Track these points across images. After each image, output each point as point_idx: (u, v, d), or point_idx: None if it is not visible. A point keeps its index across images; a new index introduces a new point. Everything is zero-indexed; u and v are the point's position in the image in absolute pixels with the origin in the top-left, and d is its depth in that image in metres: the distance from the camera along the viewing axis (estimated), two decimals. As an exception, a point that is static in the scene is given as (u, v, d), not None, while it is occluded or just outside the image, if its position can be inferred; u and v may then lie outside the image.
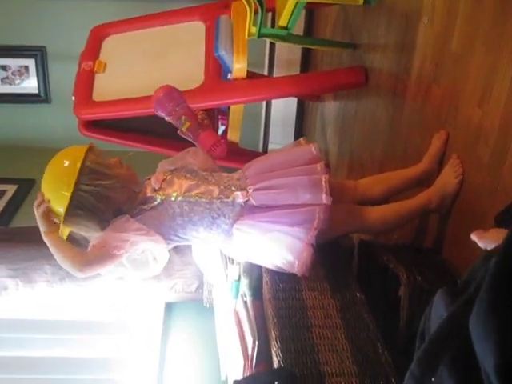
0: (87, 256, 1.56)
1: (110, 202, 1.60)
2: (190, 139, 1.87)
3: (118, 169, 1.65)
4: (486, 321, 0.76)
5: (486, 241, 1.11)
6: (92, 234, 1.62)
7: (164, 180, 1.68)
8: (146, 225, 1.60)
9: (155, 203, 1.65)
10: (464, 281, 0.97)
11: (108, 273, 1.63)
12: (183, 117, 1.80)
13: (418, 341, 1.11)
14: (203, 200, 1.65)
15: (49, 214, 1.56)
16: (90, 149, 1.61)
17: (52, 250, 1.56)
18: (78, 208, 1.56)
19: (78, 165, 1.55)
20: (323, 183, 1.69)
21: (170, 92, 1.81)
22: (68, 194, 1.54)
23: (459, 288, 0.97)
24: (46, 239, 1.57)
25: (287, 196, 1.68)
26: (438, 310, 1.00)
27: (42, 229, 1.57)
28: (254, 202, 1.67)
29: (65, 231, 1.62)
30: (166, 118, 1.82)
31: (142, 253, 1.65)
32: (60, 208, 1.56)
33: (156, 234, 1.60)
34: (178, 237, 1.65)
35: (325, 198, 1.67)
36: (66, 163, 1.58)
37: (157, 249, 1.65)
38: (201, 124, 1.83)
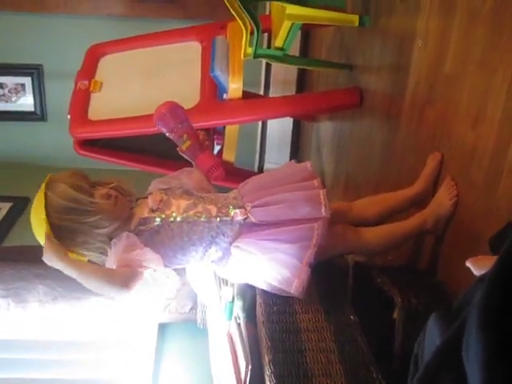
0: (123, 274, 1.51)
1: (97, 234, 1.57)
2: (188, 158, 1.85)
3: (103, 201, 1.59)
4: (475, 343, 0.75)
5: (480, 268, 1.11)
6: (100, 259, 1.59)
7: (161, 201, 1.66)
8: (147, 246, 1.58)
9: (155, 224, 1.62)
10: (457, 305, 0.96)
11: (136, 294, 1.56)
12: (185, 135, 1.79)
13: (412, 365, 1.10)
14: (202, 219, 1.64)
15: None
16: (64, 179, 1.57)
17: (80, 275, 1.48)
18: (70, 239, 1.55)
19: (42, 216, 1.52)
20: (322, 196, 1.69)
21: (173, 109, 1.80)
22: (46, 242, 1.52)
23: (453, 313, 0.96)
24: (70, 267, 1.48)
25: (287, 211, 1.67)
26: (431, 336, 0.99)
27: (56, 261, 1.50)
28: (253, 219, 1.66)
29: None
30: (167, 135, 1.81)
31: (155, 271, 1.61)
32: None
33: (156, 254, 1.58)
34: (177, 258, 1.63)
35: (324, 211, 1.66)
36: (35, 215, 1.56)
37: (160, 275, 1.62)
38: (201, 145, 1.82)
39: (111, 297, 1.54)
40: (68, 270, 1.48)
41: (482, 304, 0.76)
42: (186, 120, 1.81)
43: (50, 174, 1.60)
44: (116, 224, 1.58)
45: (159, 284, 1.59)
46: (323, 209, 1.67)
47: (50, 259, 1.49)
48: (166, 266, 1.62)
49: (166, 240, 1.61)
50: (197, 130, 1.87)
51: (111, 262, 1.55)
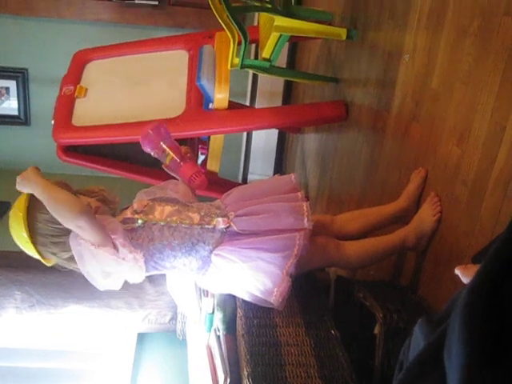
0: (88, 208, 1.52)
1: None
2: (172, 173, 1.86)
3: None
4: (457, 348, 0.75)
5: (469, 276, 1.11)
6: None
7: (146, 205, 1.66)
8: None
9: (135, 225, 1.61)
10: (443, 312, 0.96)
11: (97, 264, 1.54)
12: (167, 149, 1.79)
13: (396, 371, 1.09)
14: (183, 225, 1.63)
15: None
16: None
17: (45, 193, 1.49)
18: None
19: (21, 214, 1.54)
20: (305, 208, 1.69)
21: (157, 127, 1.81)
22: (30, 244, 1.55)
23: (438, 318, 0.95)
24: (39, 187, 1.50)
25: (269, 221, 1.66)
26: (416, 341, 0.99)
27: (34, 179, 1.51)
28: (235, 228, 1.65)
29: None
30: (152, 154, 1.81)
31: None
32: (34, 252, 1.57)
33: (137, 250, 1.56)
34: (155, 262, 1.61)
35: (306, 223, 1.66)
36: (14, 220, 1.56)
37: (132, 272, 1.60)
38: (183, 157, 1.82)
39: (68, 221, 1.49)
40: (33, 185, 1.51)
41: (464, 311, 0.76)
42: (169, 137, 1.82)
43: None
44: None
45: (123, 270, 1.57)
46: (305, 220, 1.67)
47: (27, 177, 1.52)
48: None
49: (144, 242, 1.59)
50: (180, 145, 1.88)
51: None
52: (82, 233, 1.49)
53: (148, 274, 1.65)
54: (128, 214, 1.64)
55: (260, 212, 1.68)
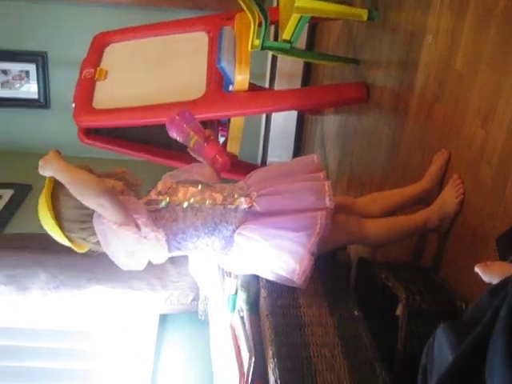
0: (110, 187, 1.54)
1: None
2: (197, 155, 1.87)
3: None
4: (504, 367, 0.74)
5: (490, 275, 1.10)
6: None
7: (170, 187, 1.68)
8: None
9: (159, 206, 1.63)
10: (469, 318, 0.95)
11: (120, 244, 1.56)
12: (191, 133, 1.81)
13: (420, 375, 1.09)
14: (206, 205, 1.64)
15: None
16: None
17: (67, 175, 1.50)
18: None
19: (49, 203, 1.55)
20: (326, 188, 1.70)
21: (182, 112, 1.82)
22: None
23: (463, 326, 0.95)
24: (61, 169, 1.51)
25: (291, 201, 1.67)
26: (441, 349, 0.97)
27: (56, 162, 1.52)
28: (257, 208, 1.66)
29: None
30: (178, 138, 1.83)
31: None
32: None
33: (159, 229, 1.58)
34: (177, 242, 1.63)
35: (328, 202, 1.66)
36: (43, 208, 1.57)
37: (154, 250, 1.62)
38: (207, 138, 1.84)
39: (90, 200, 1.51)
40: (55, 168, 1.51)
41: (508, 334, 0.75)
42: (193, 120, 1.83)
43: None
44: None
45: (146, 249, 1.59)
46: (327, 199, 1.67)
47: (49, 160, 1.52)
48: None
49: (168, 222, 1.61)
50: (204, 128, 1.89)
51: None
52: (103, 212, 1.50)
53: (171, 255, 1.67)
54: (152, 195, 1.66)
55: (282, 192, 1.70)
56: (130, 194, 1.67)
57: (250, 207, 1.66)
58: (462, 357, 0.87)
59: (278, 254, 1.61)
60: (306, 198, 1.67)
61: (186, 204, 1.64)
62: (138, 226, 1.55)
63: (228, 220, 1.64)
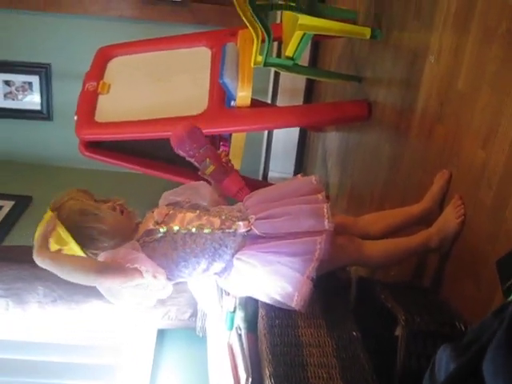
0: (101, 262, 1.54)
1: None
2: (210, 180, 1.85)
3: (108, 217, 1.63)
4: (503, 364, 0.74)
5: None
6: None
7: (167, 215, 1.67)
8: (150, 258, 1.58)
9: (158, 236, 1.63)
10: (470, 338, 0.95)
11: (126, 293, 1.59)
12: (207, 160, 1.79)
13: None
14: (205, 231, 1.64)
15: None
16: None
17: (57, 265, 1.49)
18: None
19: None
20: (325, 210, 1.68)
21: (193, 132, 1.80)
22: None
23: (465, 344, 0.94)
24: (46, 259, 1.50)
25: (290, 224, 1.66)
26: (442, 366, 0.97)
27: (42, 249, 1.52)
28: (256, 231, 1.65)
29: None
30: (188, 159, 1.81)
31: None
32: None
33: (159, 267, 1.58)
34: (180, 271, 1.63)
35: (327, 224, 1.65)
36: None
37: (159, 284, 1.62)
38: (225, 168, 1.82)
39: (89, 284, 1.53)
40: (46, 263, 1.49)
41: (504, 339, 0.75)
42: (206, 143, 1.81)
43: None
44: (120, 237, 1.62)
45: (149, 291, 1.61)
46: (326, 222, 1.66)
47: (37, 260, 1.51)
48: (168, 279, 1.62)
49: (168, 252, 1.61)
50: (216, 151, 1.87)
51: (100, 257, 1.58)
52: (104, 286, 1.56)
53: (174, 282, 1.67)
54: (150, 225, 1.66)
55: (280, 215, 1.68)
56: (131, 215, 1.68)
57: (248, 231, 1.65)
58: (465, 363, 0.87)
59: (276, 280, 1.61)
60: (305, 221, 1.66)
61: (184, 231, 1.63)
62: (140, 274, 1.55)
63: (227, 244, 1.64)
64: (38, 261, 1.49)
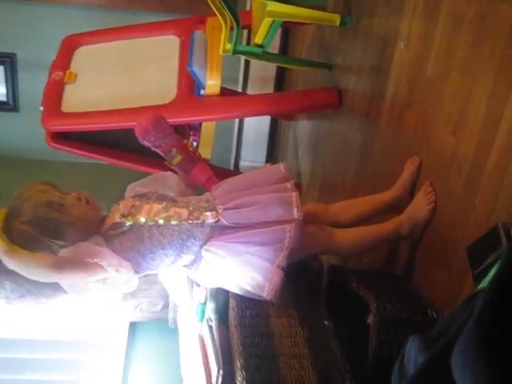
0: (59, 258, 1.50)
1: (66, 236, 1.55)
2: (178, 171, 1.82)
3: (74, 208, 1.58)
4: (475, 358, 0.73)
5: None
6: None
7: (133, 206, 1.63)
8: (116, 251, 1.54)
9: (124, 229, 1.59)
10: (440, 329, 0.94)
11: (93, 288, 1.56)
12: (174, 150, 1.75)
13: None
14: (172, 223, 1.61)
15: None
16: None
17: (15, 263, 1.49)
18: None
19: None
20: (294, 199, 1.66)
21: (157, 122, 1.76)
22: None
23: (434, 335, 0.93)
24: (6, 257, 1.50)
25: (259, 213, 1.64)
26: (411, 358, 0.96)
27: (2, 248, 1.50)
28: (224, 222, 1.63)
29: None
30: (153, 149, 1.77)
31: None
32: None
33: (125, 261, 1.55)
34: (147, 263, 1.60)
35: (296, 213, 1.63)
36: None
37: (124, 277, 1.59)
38: (192, 158, 1.79)
39: (48, 281, 1.51)
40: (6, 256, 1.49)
41: (475, 328, 0.74)
42: (172, 132, 1.77)
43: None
44: (86, 229, 1.58)
45: (115, 286, 1.58)
46: (295, 211, 1.64)
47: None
48: (136, 272, 1.59)
49: (135, 244, 1.58)
50: (183, 140, 1.83)
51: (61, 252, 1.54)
52: (65, 281, 1.52)
53: (142, 275, 1.64)
54: (116, 218, 1.62)
55: (249, 204, 1.66)
56: (96, 207, 1.65)
57: (216, 222, 1.63)
58: (434, 355, 0.86)
59: (246, 270, 1.59)
60: (273, 210, 1.64)
61: (150, 223, 1.60)
62: (102, 268, 1.52)
63: (195, 236, 1.61)
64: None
